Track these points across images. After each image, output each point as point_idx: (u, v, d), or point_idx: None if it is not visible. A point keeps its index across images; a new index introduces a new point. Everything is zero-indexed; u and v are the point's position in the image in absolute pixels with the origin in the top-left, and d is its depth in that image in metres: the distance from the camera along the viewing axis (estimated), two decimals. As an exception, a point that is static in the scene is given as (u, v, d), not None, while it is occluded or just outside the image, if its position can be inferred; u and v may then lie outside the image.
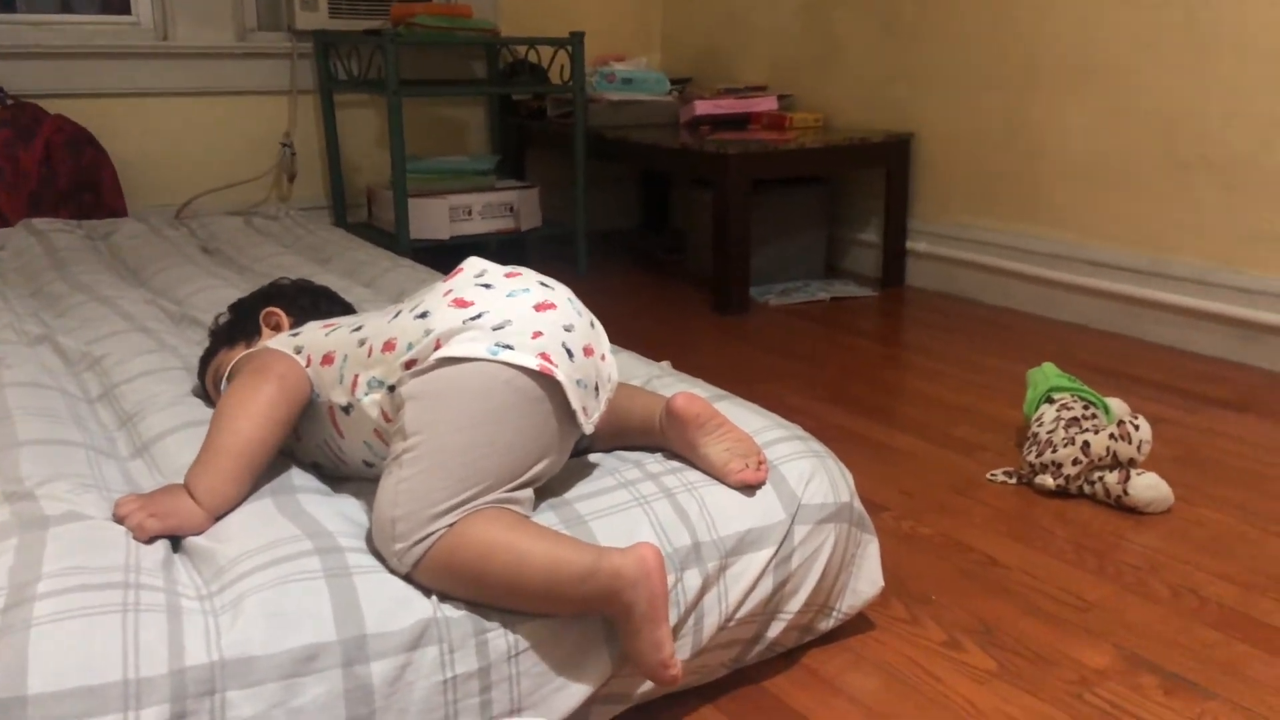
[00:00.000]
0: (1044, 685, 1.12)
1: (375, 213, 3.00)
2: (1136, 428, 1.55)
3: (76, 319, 1.63)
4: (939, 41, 2.84)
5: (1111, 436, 1.54)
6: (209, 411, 1.27)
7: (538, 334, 0.99)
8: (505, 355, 0.96)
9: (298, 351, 1.11)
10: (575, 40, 2.93)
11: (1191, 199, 2.35)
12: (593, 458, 1.18)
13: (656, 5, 3.73)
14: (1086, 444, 1.55)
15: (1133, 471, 1.53)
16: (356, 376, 1.04)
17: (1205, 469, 1.70)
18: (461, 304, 1.00)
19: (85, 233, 2.37)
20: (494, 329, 0.98)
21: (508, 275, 1.05)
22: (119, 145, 2.80)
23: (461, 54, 3.34)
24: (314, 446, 1.12)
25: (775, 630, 1.12)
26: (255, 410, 1.02)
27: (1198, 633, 1.22)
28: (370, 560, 0.96)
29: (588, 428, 1.03)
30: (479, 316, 0.98)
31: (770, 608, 1.10)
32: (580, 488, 1.09)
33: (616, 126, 3.12)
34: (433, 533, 0.92)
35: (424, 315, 1.00)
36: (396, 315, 1.04)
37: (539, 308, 1.01)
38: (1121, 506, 1.53)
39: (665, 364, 1.50)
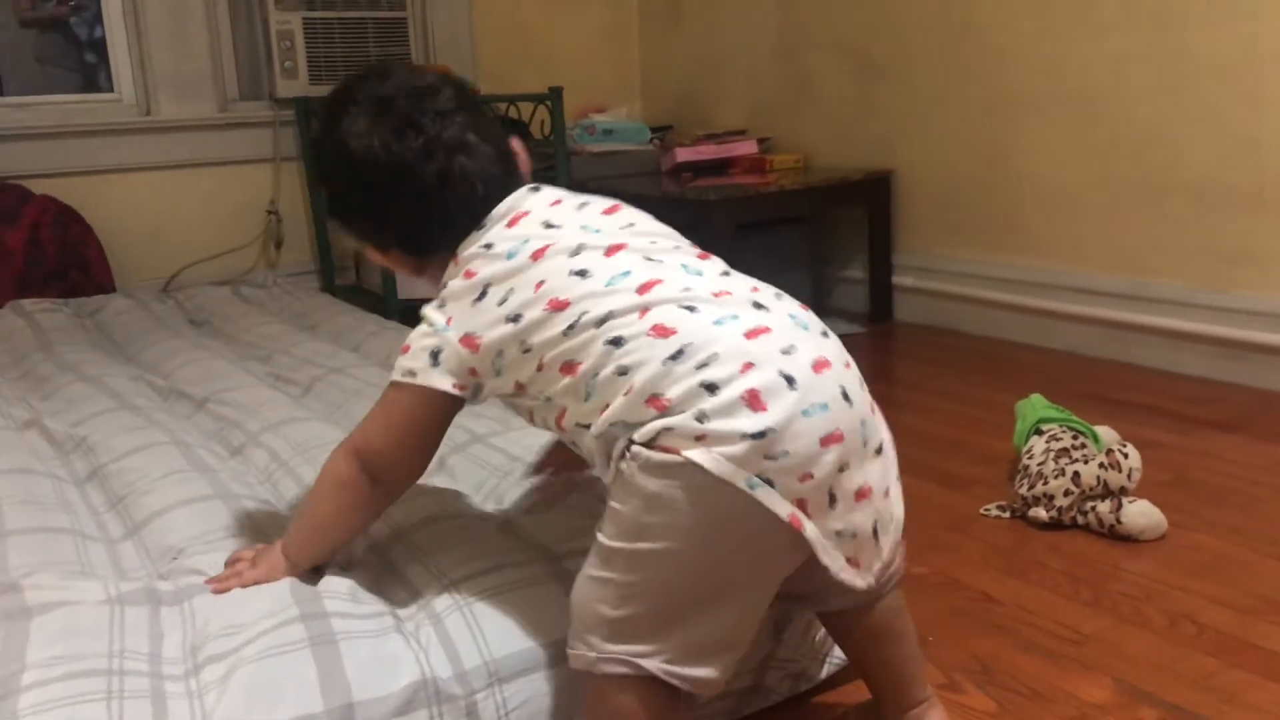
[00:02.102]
0: (1043, 724, 1.11)
1: (363, 275, 3.02)
2: (1126, 455, 1.56)
3: (63, 400, 1.64)
4: (912, 78, 2.88)
5: (1101, 465, 1.54)
6: (196, 488, 1.27)
7: (807, 476, 0.81)
8: (761, 494, 0.80)
9: (526, 352, 0.89)
10: (554, 95, 2.97)
11: (1169, 221, 2.37)
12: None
13: (634, 55, 3.79)
14: (1077, 474, 1.55)
15: (1124, 500, 1.53)
16: (607, 405, 0.85)
17: (1198, 492, 1.69)
18: (754, 403, 0.80)
19: (73, 311, 2.39)
20: (767, 457, 0.79)
21: (791, 314, 0.88)
22: (106, 221, 2.82)
23: (442, 114, 3.37)
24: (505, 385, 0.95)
25: (771, 679, 1.11)
26: (358, 522, 1.05)
27: (1195, 661, 1.21)
28: (357, 624, 0.96)
29: (858, 581, 0.88)
30: (763, 436, 0.79)
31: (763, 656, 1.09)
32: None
33: (599, 178, 3.15)
34: (622, 660, 0.84)
35: (704, 367, 0.81)
36: (676, 357, 0.82)
37: (829, 438, 0.82)
38: (1115, 535, 1.53)
39: None
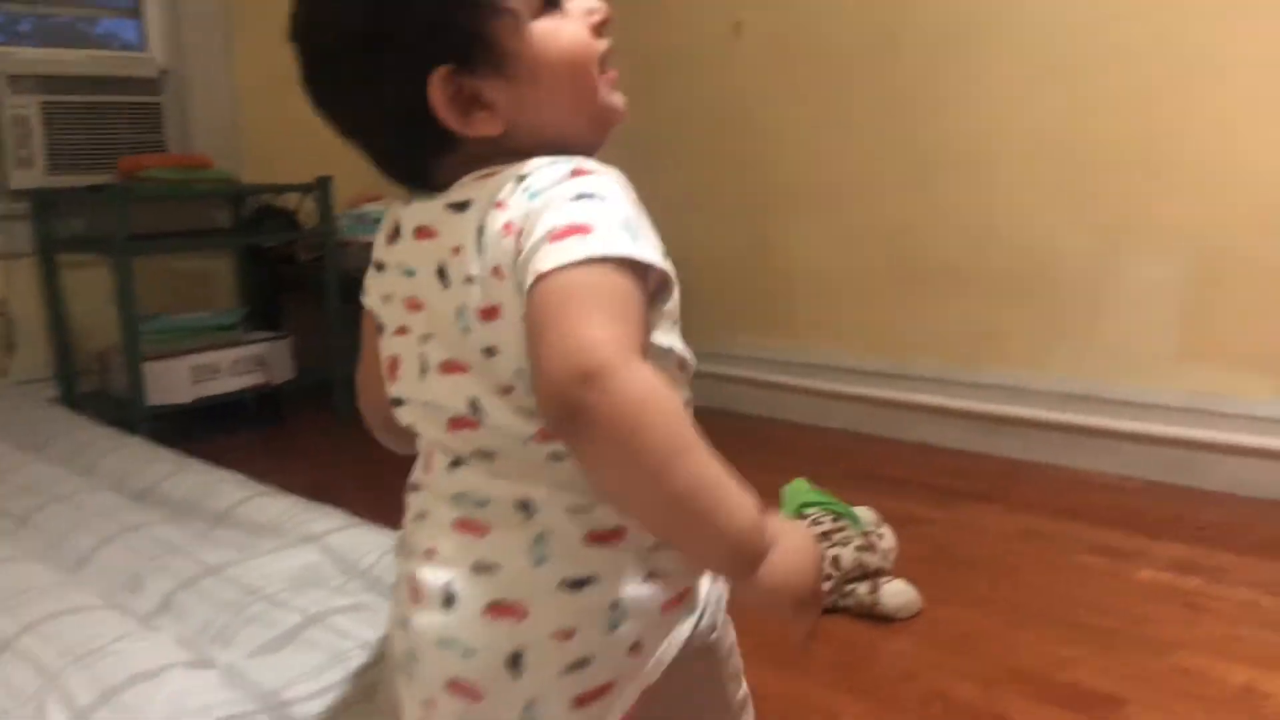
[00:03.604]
0: (800, 828, 1.08)
1: (109, 380, 2.79)
2: (881, 536, 1.59)
3: None
4: (690, 170, 2.95)
5: (858, 548, 1.57)
6: None
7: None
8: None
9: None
10: (322, 185, 2.87)
11: (923, 305, 2.50)
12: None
13: (411, 145, 3.72)
14: (837, 558, 1.56)
15: (881, 580, 1.56)
16: None
17: (954, 565, 1.75)
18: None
19: None
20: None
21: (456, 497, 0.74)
22: None
23: (202, 204, 3.20)
24: None
25: None
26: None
27: (946, 744, 1.22)
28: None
29: None
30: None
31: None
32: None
33: (373, 269, 3.05)
34: None
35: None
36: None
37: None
38: (875, 616, 1.55)
39: None
